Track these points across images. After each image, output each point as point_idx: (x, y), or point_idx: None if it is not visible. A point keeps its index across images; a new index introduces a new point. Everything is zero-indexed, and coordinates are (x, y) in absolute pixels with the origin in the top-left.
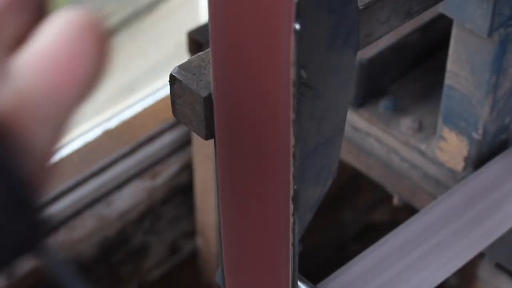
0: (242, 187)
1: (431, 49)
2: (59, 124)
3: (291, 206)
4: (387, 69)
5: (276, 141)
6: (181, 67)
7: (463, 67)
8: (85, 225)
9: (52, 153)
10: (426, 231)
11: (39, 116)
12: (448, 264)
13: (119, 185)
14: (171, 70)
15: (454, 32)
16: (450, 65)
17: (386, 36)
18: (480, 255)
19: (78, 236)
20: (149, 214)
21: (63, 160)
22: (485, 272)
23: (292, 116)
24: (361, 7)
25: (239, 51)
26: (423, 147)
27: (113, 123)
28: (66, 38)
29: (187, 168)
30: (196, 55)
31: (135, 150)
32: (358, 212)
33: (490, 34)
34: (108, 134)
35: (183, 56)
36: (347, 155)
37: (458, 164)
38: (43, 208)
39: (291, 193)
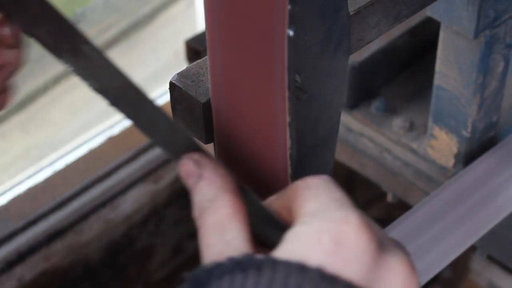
0: None
1: (420, 51)
2: None
3: None
4: (378, 71)
5: (273, 143)
6: (180, 75)
7: (451, 67)
8: (92, 229)
9: None
10: (420, 226)
11: None
12: (441, 257)
13: (124, 190)
14: (170, 78)
15: (441, 34)
16: (438, 66)
17: (377, 39)
18: (472, 248)
19: (85, 240)
20: (153, 216)
21: (69, 166)
22: (477, 264)
23: (288, 119)
24: (352, 13)
25: (235, 58)
26: (414, 145)
27: (116, 130)
28: None
29: None
30: (194, 62)
31: (138, 155)
32: None
33: (476, 35)
34: (112, 141)
35: (182, 64)
36: (342, 155)
37: (449, 161)
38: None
39: None
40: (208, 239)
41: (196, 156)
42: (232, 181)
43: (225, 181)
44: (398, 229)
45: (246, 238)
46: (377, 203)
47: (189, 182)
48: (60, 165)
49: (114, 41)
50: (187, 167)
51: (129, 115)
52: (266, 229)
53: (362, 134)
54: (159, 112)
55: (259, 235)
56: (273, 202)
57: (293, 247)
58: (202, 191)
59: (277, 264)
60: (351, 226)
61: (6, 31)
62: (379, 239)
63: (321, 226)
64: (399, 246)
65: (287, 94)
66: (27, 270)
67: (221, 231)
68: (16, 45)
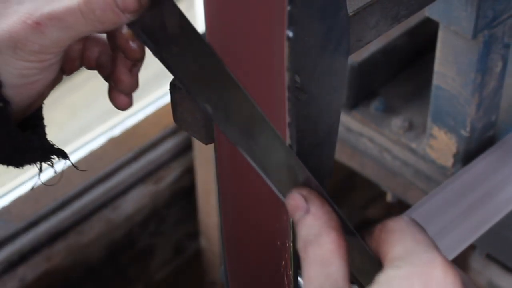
0: (242, 188)
1: (418, 51)
2: None
3: None
4: (377, 71)
5: None
6: None
7: (450, 67)
8: (93, 229)
9: None
10: None
11: None
12: None
13: (125, 190)
14: (171, 79)
15: (440, 34)
16: (437, 66)
17: (376, 40)
18: (471, 247)
19: (87, 240)
20: (154, 217)
21: (71, 168)
22: (476, 262)
23: (288, 119)
24: (351, 14)
25: (235, 59)
26: (414, 145)
27: (117, 131)
28: None
29: (189, 172)
30: None
31: (139, 156)
32: (353, 209)
33: (474, 35)
34: (112, 142)
35: None
36: (342, 155)
37: (448, 161)
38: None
39: None
40: (310, 271)
41: (304, 191)
42: (336, 218)
43: (330, 218)
44: None
45: (345, 275)
46: (376, 202)
47: (296, 215)
48: (61, 166)
49: None
50: (296, 201)
51: (240, 139)
52: (362, 267)
53: (362, 134)
54: (279, 143)
55: (354, 272)
56: None
57: None
58: (308, 225)
59: None
60: (438, 268)
61: (134, 46)
62: (463, 280)
63: (411, 270)
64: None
65: (287, 94)
66: (29, 271)
67: (323, 265)
68: (142, 57)
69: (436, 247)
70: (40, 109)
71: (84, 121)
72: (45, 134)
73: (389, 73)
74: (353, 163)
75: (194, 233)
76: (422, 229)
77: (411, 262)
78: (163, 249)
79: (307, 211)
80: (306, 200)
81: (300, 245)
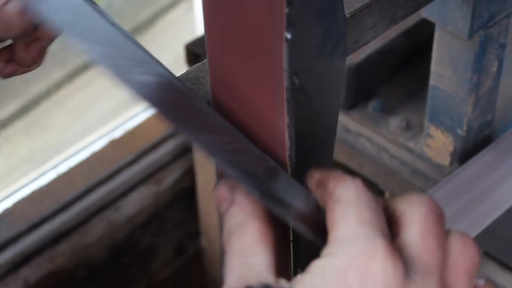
0: None
1: (415, 52)
2: None
3: None
4: (375, 72)
5: (272, 145)
6: (180, 78)
7: (446, 68)
8: (95, 230)
9: None
10: None
11: None
12: None
13: (126, 192)
14: None
15: (436, 35)
16: (434, 66)
17: (373, 41)
18: None
19: (88, 241)
20: (155, 217)
21: (73, 170)
22: None
23: (286, 120)
24: (348, 15)
25: (234, 61)
26: (411, 144)
27: (118, 133)
28: None
29: (189, 173)
30: (194, 66)
31: (140, 157)
32: None
33: (470, 36)
34: (113, 144)
35: (182, 68)
36: (340, 155)
37: (445, 160)
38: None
39: None
40: (232, 262)
41: (231, 181)
42: (262, 207)
43: (255, 207)
44: None
45: (270, 264)
46: None
47: (222, 207)
48: (63, 168)
49: None
50: (222, 192)
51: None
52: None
53: (360, 134)
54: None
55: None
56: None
57: (317, 282)
58: (232, 216)
59: None
60: (377, 259)
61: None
62: (407, 269)
63: (347, 261)
64: (430, 271)
65: (285, 95)
66: (32, 272)
67: (245, 255)
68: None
69: (381, 232)
70: None
71: (85, 123)
72: None
73: (387, 73)
74: (352, 163)
75: (195, 233)
76: (372, 202)
77: (348, 251)
78: (164, 250)
79: (232, 202)
80: (232, 190)
81: (224, 236)
